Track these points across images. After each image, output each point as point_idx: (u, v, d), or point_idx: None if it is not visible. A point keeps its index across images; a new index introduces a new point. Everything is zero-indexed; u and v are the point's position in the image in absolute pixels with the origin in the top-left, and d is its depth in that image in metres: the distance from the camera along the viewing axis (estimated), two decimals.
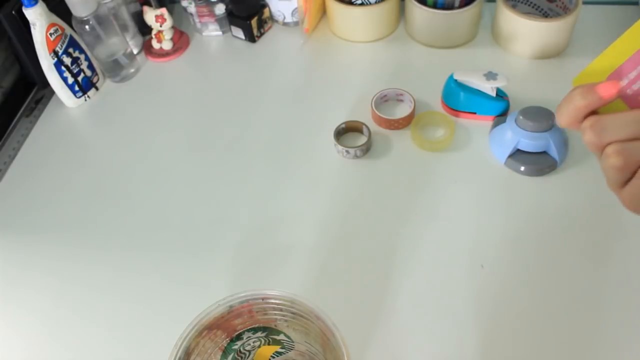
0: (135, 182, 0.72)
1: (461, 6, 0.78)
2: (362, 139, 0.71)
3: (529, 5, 0.82)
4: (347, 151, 0.69)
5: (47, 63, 0.77)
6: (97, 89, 0.86)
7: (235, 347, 0.46)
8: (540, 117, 0.63)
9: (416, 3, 0.80)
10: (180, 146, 0.75)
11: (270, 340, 0.47)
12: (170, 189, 0.70)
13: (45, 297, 0.62)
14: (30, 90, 0.88)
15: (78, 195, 0.72)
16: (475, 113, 0.71)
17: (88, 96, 0.84)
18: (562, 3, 0.78)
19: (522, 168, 0.65)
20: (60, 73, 0.79)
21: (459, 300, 0.56)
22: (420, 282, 0.57)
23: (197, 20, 0.90)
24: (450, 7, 0.78)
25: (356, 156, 0.70)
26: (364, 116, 0.73)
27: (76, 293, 0.62)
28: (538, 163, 0.64)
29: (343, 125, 0.71)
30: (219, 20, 0.90)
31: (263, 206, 0.67)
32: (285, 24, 0.91)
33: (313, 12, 0.85)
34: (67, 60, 0.79)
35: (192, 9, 0.88)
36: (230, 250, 0.63)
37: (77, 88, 0.82)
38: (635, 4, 0.84)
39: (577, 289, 0.55)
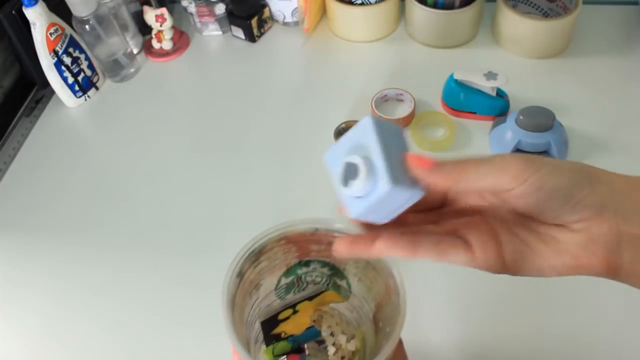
0: (135, 182, 0.72)
1: (461, 6, 0.78)
2: None
3: (529, 5, 0.82)
4: None
5: (47, 63, 0.77)
6: (97, 88, 0.86)
7: (300, 271, 0.44)
8: (541, 117, 0.63)
9: (416, 3, 0.80)
10: (180, 146, 0.75)
11: (332, 282, 0.45)
12: (170, 189, 0.70)
13: (45, 297, 0.62)
14: (30, 90, 0.88)
15: (78, 196, 0.72)
16: (475, 113, 0.71)
17: (88, 96, 0.84)
18: (562, 3, 0.78)
19: None
20: (61, 73, 0.79)
21: (459, 300, 0.56)
22: (420, 282, 0.57)
23: (197, 20, 0.90)
24: (450, 7, 0.78)
25: None
26: (364, 116, 0.73)
27: (76, 293, 0.61)
28: None
29: (343, 125, 0.71)
30: (219, 20, 0.89)
31: (263, 206, 0.67)
32: (285, 23, 0.91)
33: (313, 12, 0.85)
34: (67, 60, 0.79)
35: (192, 8, 0.88)
36: (230, 250, 0.63)
37: (77, 88, 0.82)
38: (635, 3, 0.84)
39: (576, 289, 0.55)
